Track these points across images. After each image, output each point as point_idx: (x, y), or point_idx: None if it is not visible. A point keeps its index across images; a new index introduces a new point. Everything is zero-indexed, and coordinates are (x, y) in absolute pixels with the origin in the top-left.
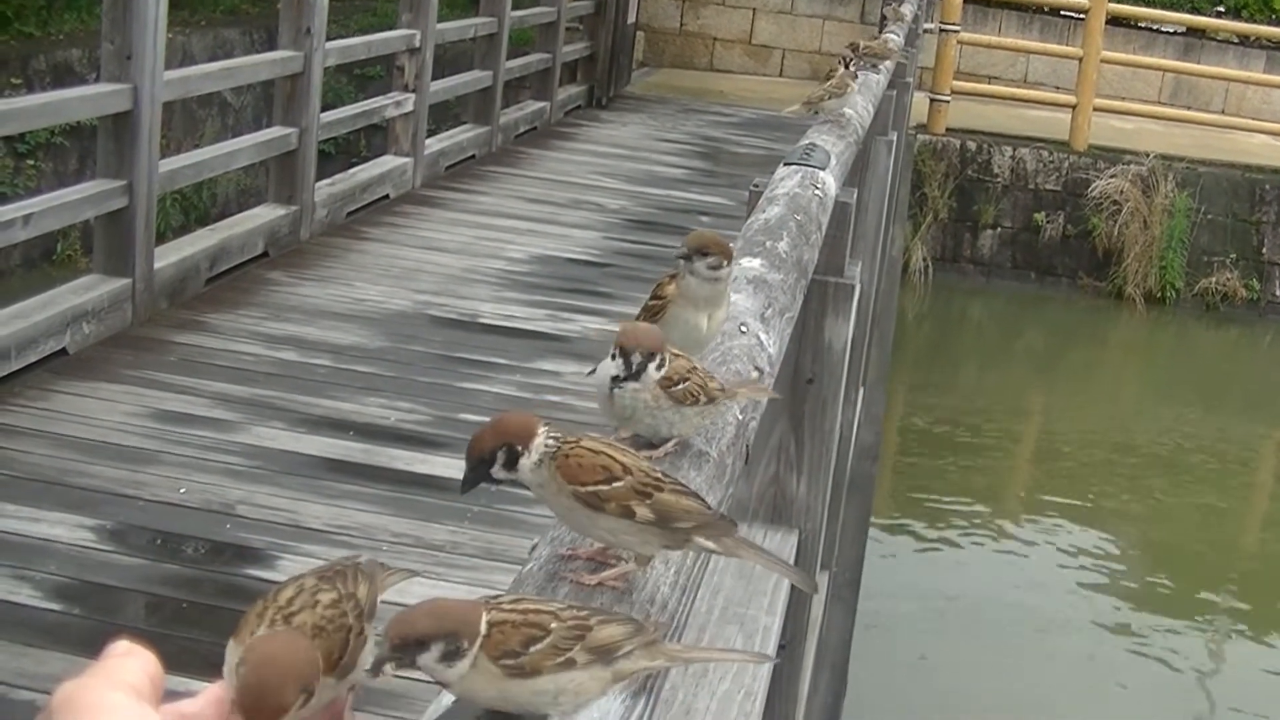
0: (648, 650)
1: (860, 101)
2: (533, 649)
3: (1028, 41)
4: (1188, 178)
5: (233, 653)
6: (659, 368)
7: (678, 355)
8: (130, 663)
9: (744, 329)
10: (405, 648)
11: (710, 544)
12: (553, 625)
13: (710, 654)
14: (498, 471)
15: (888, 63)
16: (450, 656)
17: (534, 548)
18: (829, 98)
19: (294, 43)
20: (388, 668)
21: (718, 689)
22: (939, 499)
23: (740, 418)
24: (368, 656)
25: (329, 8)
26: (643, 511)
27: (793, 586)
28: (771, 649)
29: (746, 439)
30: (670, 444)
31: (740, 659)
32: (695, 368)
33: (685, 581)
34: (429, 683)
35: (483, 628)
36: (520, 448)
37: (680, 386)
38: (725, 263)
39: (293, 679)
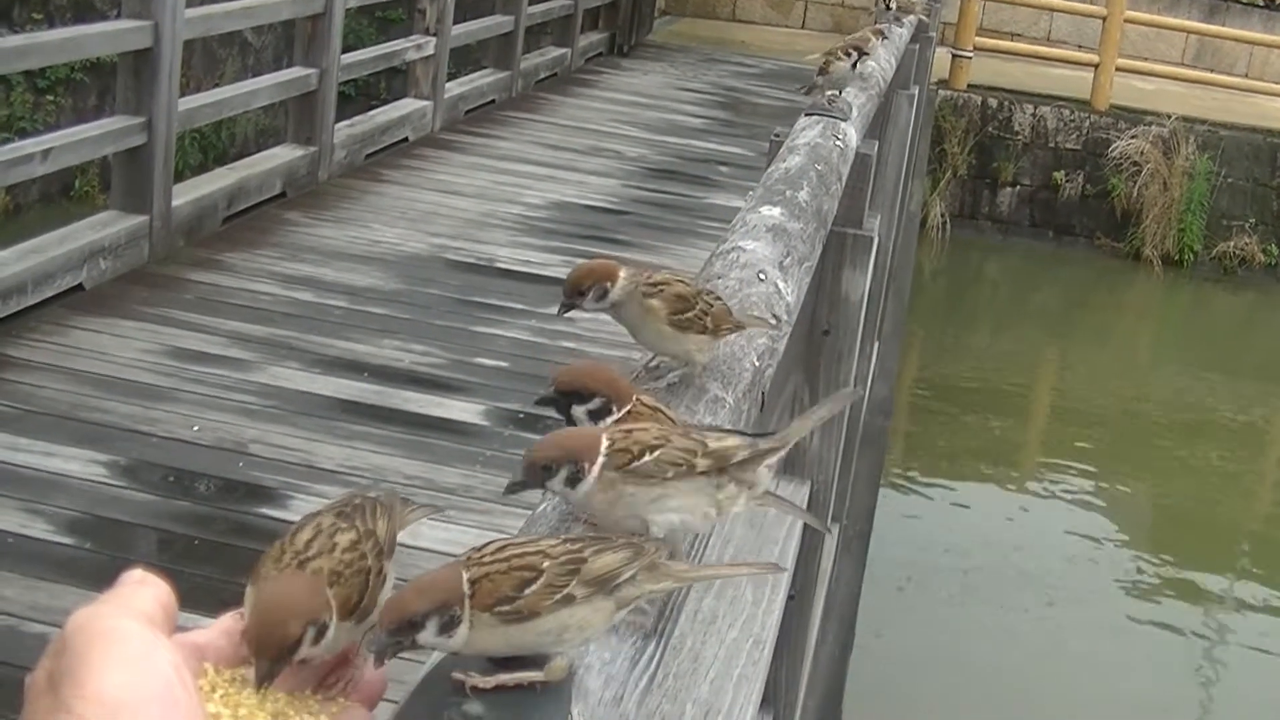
0: (651, 573)
1: (882, 55)
2: (527, 591)
3: None
4: (1209, 140)
5: (250, 596)
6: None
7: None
8: (144, 591)
9: (762, 276)
10: (400, 631)
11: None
12: (545, 564)
13: (719, 570)
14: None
15: (911, 17)
16: (448, 626)
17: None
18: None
19: None
20: (389, 653)
21: (726, 636)
22: (951, 455)
23: (757, 364)
24: (386, 594)
25: None
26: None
27: (803, 536)
28: (781, 599)
29: (762, 386)
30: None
31: (750, 571)
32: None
33: None
34: None
35: (466, 588)
36: (585, 465)
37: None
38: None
39: (300, 614)
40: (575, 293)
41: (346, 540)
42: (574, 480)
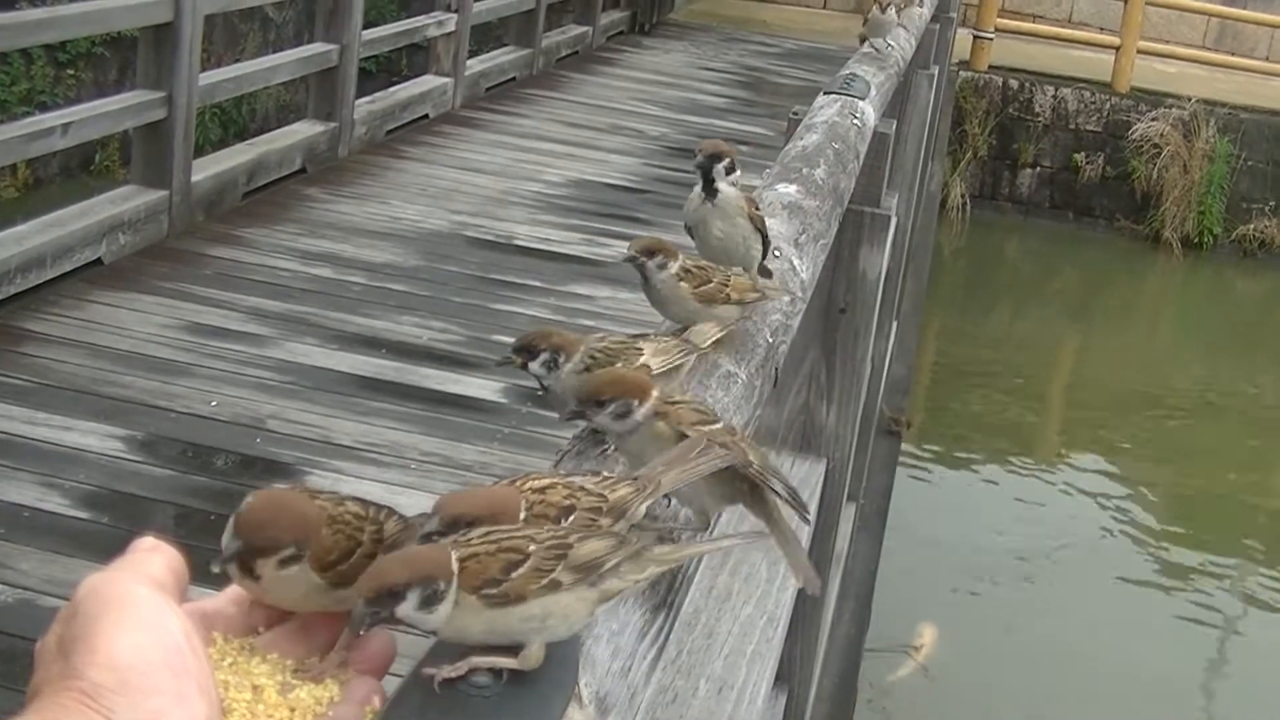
0: (635, 562)
1: (903, 34)
2: (514, 574)
3: None
4: (1229, 123)
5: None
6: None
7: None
8: (155, 558)
9: (777, 253)
10: (380, 600)
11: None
12: (530, 548)
13: (702, 547)
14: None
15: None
16: (429, 601)
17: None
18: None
19: None
20: (366, 623)
21: (740, 613)
22: (969, 435)
23: (770, 340)
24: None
25: None
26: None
27: (819, 514)
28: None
29: (776, 362)
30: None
31: (733, 544)
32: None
33: None
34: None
35: (454, 565)
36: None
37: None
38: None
39: (288, 522)
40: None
41: (354, 509)
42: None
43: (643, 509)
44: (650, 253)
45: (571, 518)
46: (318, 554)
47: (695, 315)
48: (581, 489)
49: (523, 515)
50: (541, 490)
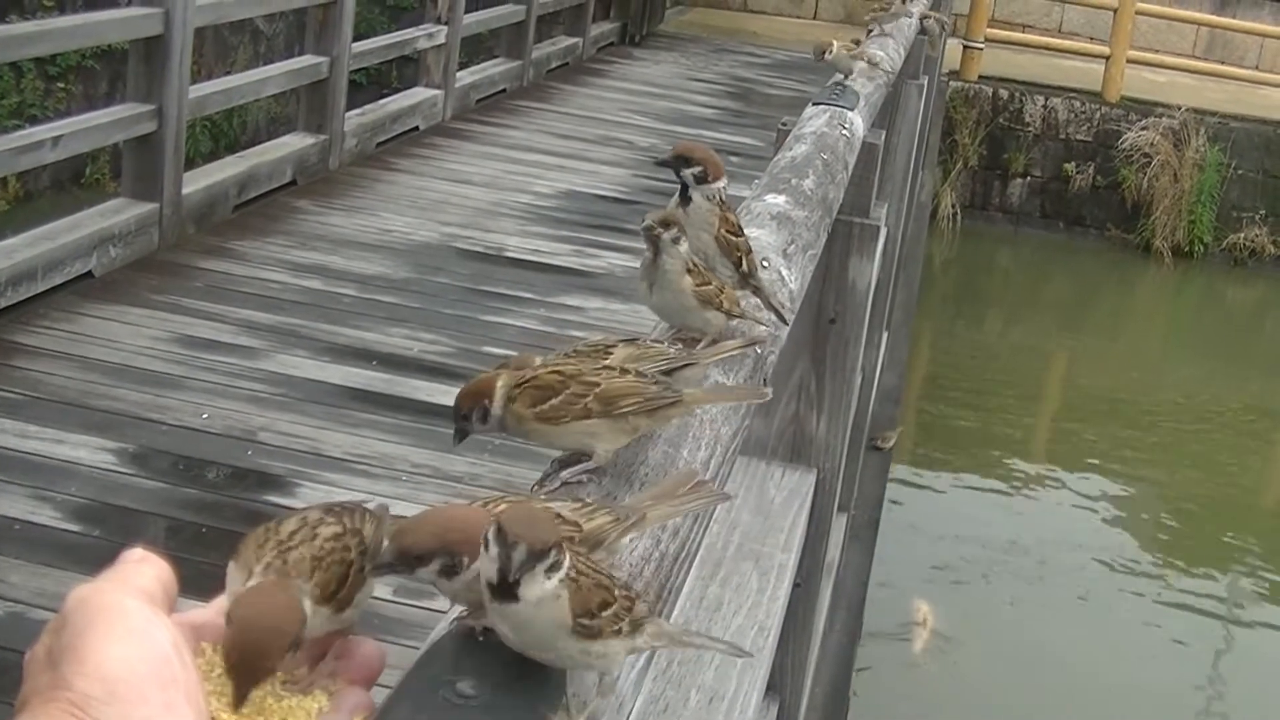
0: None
1: (891, 45)
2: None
3: None
4: (1219, 132)
5: (232, 576)
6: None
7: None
8: (144, 569)
9: (765, 264)
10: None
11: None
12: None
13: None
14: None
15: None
16: (448, 572)
17: None
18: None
19: None
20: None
21: (731, 623)
22: (960, 444)
23: (759, 350)
24: (365, 598)
25: None
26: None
27: (809, 524)
28: (786, 587)
29: (765, 372)
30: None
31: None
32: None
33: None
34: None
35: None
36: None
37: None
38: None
39: (276, 639)
40: None
41: (330, 532)
42: (448, 572)
43: (623, 541)
44: (667, 224)
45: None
46: (321, 596)
47: (687, 314)
48: (557, 516)
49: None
50: None
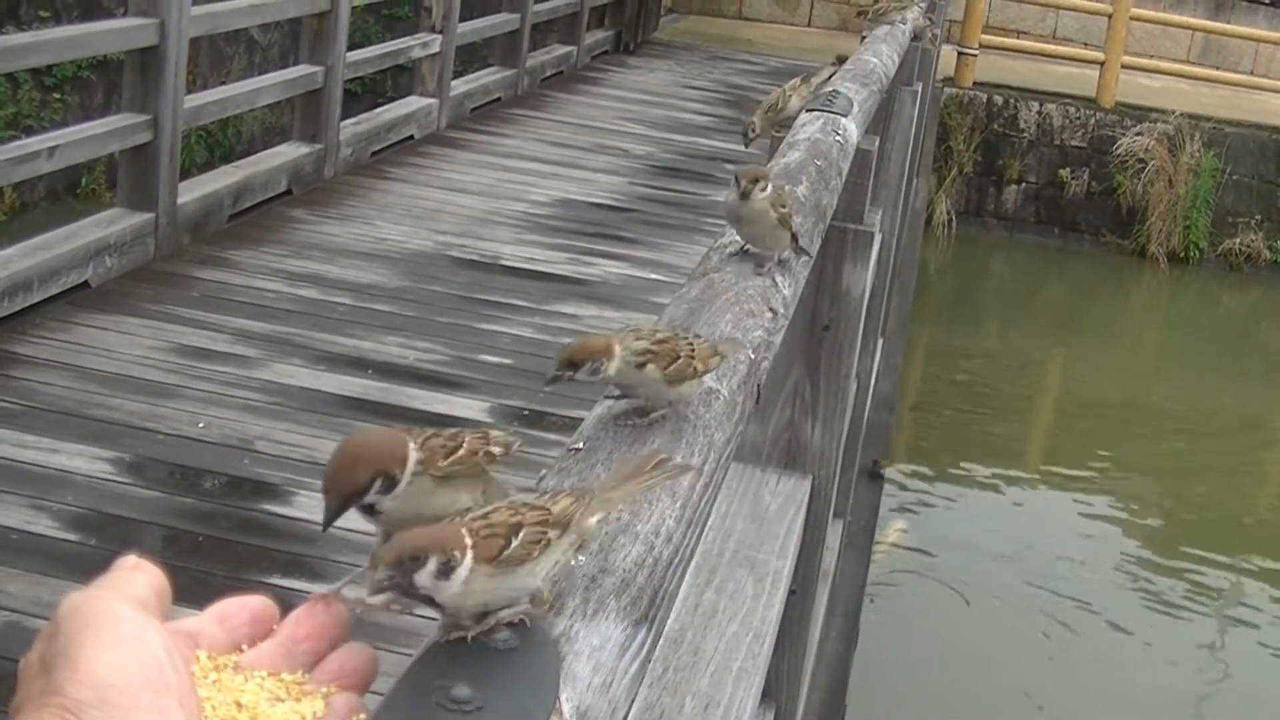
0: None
1: (885, 50)
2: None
3: None
4: (1214, 138)
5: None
6: None
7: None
8: (137, 576)
9: (759, 270)
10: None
11: None
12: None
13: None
14: None
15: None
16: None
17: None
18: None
19: None
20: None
21: (726, 630)
22: (956, 451)
23: (752, 357)
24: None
25: None
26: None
27: (804, 531)
28: (781, 594)
29: (758, 378)
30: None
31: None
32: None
33: (691, 515)
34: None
35: (467, 539)
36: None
37: None
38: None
39: (368, 460)
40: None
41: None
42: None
43: (592, 520)
44: (756, 179)
45: (521, 534)
46: (429, 461)
47: (771, 231)
48: (525, 505)
49: (469, 542)
50: (485, 517)
